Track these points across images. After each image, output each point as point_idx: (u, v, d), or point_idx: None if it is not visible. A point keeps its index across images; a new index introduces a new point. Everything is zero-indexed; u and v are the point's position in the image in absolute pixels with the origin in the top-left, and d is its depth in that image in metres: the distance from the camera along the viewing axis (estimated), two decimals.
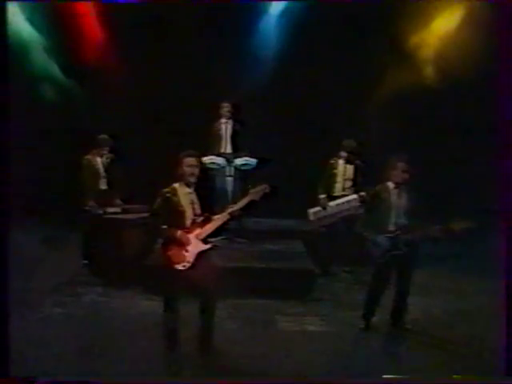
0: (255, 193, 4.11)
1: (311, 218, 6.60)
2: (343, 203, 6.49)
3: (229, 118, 6.81)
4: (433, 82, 7.95)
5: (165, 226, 4.00)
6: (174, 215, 4.01)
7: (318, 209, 6.57)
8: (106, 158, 6.74)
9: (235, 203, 4.23)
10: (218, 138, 6.78)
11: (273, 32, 8.32)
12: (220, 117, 6.83)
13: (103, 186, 6.71)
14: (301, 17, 7.99)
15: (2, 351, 3.63)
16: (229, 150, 6.76)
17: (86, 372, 3.88)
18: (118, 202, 6.65)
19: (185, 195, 4.05)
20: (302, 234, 7.06)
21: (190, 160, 4.03)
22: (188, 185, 4.06)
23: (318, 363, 4.17)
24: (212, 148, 6.71)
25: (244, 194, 4.29)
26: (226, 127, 6.80)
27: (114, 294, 5.64)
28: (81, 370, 3.92)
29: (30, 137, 7.55)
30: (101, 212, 6.36)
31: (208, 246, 4.08)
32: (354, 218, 6.43)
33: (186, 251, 4.00)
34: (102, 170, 6.69)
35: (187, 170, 4.01)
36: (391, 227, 4.64)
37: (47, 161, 8.08)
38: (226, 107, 6.77)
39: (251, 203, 4.13)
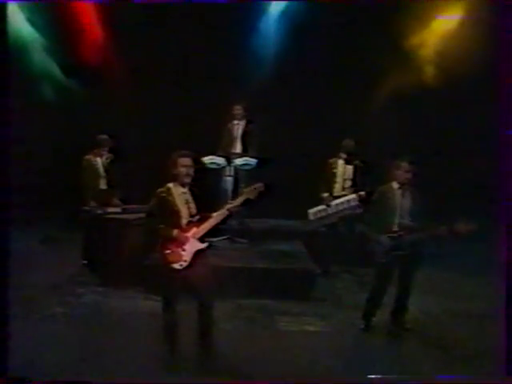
0: (249, 191, 4.11)
1: (311, 218, 6.61)
2: (343, 203, 6.49)
3: (241, 120, 6.92)
4: (433, 81, 7.95)
5: (162, 226, 4.00)
6: (170, 215, 4.02)
7: (317, 209, 6.57)
8: (106, 158, 6.75)
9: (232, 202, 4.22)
10: (230, 139, 6.89)
11: (272, 32, 8.33)
12: (232, 118, 6.95)
13: (103, 186, 6.73)
14: (301, 16, 7.98)
15: (1, 351, 3.62)
16: (239, 150, 6.87)
17: (85, 372, 3.88)
18: (118, 202, 6.65)
19: (179, 195, 4.05)
20: (302, 234, 7.06)
21: (185, 160, 4.03)
22: (183, 185, 4.06)
23: (318, 363, 4.17)
24: (224, 148, 6.82)
25: (240, 193, 4.31)
26: (238, 128, 6.91)
27: (113, 294, 5.64)
28: (81, 369, 3.92)
29: (30, 137, 7.56)
30: (101, 212, 6.36)
31: (205, 245, 4.08)
32: (353, 217, 6.47)
33: (183, 250, 4.01)
34: (101, 169, 6.71)
35: (182, 170, 4.01)
36: (395, 227, 4.64)
37: (47, 161, 8.09)
38: (238, 109, 6.91)
39: (247, 201, 4.13)
